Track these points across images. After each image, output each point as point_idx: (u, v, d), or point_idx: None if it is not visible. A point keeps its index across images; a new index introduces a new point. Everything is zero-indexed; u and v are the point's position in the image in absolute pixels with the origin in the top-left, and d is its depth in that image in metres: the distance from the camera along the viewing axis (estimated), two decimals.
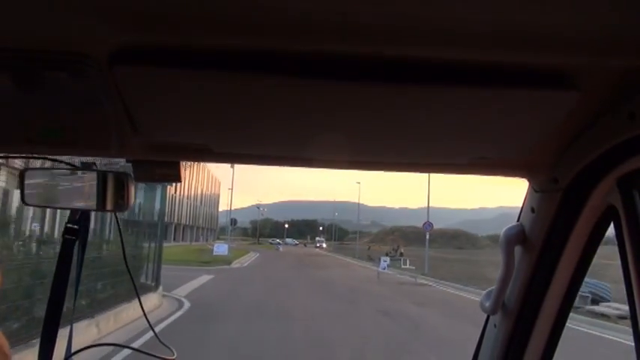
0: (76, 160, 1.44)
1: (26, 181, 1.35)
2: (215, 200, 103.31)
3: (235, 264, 35.41)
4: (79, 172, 1.39)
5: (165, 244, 18.22)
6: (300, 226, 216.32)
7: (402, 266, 35.66)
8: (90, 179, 1.37)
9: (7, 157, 1.48)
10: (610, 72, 0.83)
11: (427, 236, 40.79)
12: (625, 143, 0.95)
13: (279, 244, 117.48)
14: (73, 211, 1.42)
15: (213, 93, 0.89)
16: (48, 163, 1.38)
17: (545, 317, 1.28)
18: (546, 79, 0.82)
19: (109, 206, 1.37)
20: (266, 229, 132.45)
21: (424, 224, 39.82)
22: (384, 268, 30.57)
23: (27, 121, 1.09)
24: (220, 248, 37.70)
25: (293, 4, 0.66)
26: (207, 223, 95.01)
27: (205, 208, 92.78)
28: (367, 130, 1.05)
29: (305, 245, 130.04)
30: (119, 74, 0.82)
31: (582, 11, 0.65)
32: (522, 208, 1.32)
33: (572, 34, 0.71)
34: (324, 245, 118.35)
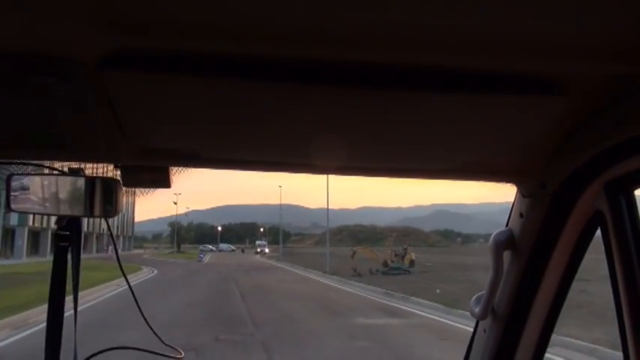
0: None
1: (12, 187, 1.31)
2: (130, 204, 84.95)
3: None
4: (67, 178, 1.36)
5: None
6: (238, 230, 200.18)
7: None
8: (77, 185, 1.35)
9: None
10: (596, 78, 0.85)
11: None
12: (611, 149, 0.97)
13: (211, 250, 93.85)
14: (60, 217, 1.39)
15: (203, 99, 0.89)
16: (36, 169, 1.36)
17: (535, 322, 1.29)
18: (533, 85, 0.84)
19: (96, 212, 1.35)
20: (190, 232, 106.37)
21: None
22: None
23: (14, 126, 1.07)
24: None
25: (283, 10, 0.66)
26: (120, 230, 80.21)
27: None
28: (357, 136, 1.05)
29: (242, 251, 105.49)
30: (108, 79, 0.81)
31: (568, 19, 0.67)
32: (511, 213, 1.33)
33: (559, 42, 0.73)
34: (267, 250, 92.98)
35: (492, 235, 1.33)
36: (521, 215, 1.27)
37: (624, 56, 0.75)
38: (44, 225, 46.06)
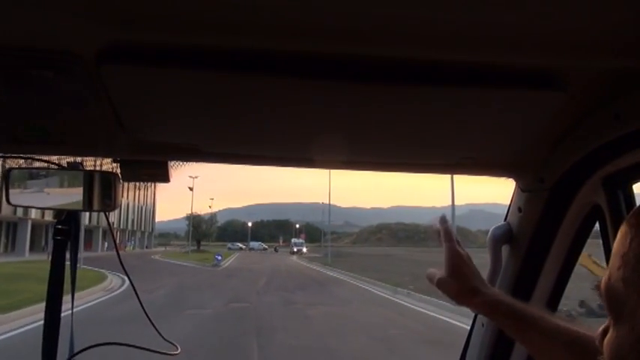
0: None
1: (11, 181, 1.33)
2: (150, 197, 76.04)
3: None
4: (65, 172, 1.37)
5: None
6: (271, 228, 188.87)
7: None
8: (76, 179, 1.36)
9: None
10: (595, 73, 0.85)
11: None
12: (610, 143, 0.97)
13: (239, 249, 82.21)
14: (59, 211, 1.40)
15: (202, 92, 0.89)
16: (34, 163, 1.36)
17: None
18: (533, 80, 0.84)
19: (95, 206, 1.36)
20: (212, 229, 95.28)
21: None
22: None
23: (13, 120, 1.08)
24: None
25: (283, 4, 0.66)
26: (138, 226, 70.72)
27: (136, 204, 69.34)
28: (357, 131, 1.05)
29: (275, 250, 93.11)
30: (107, 73, 0.81)
31: (568, 13, 0.66)
32: (509, 207, 1.34)
33: (558, 36, 0.72)
34: (305, 250, 79.97)
35: (490, 230, 1.32)
36: (519, 209, 1.28)
37: (623, 51, 0.75)
38: (22, 215, 33.73)
